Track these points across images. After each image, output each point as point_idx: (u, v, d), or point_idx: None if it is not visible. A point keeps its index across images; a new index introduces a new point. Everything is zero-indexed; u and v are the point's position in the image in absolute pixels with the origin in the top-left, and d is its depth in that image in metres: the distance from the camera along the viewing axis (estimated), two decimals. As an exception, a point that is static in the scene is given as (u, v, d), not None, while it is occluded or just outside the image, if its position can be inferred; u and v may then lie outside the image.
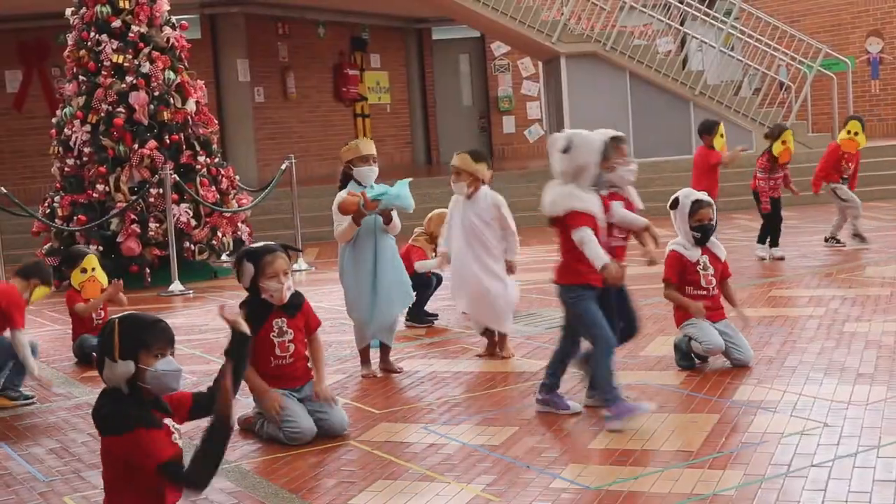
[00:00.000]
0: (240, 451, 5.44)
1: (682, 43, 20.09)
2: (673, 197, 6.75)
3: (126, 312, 4.03)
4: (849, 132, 11.46)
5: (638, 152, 18.20)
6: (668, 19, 19.24)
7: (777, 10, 22.55)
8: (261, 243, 5.72)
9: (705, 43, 18.95)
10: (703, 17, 18.96)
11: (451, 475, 4.83)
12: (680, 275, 6.61)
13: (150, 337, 3.90)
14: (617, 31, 18.29)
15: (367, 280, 6.84)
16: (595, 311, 5.49)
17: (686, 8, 18.95)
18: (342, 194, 6.79)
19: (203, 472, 3.85)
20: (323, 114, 22.99)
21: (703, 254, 6.63)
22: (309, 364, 5.77)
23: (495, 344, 7.35)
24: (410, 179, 6.88)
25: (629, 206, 6.06)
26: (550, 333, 7.91)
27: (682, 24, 19.49)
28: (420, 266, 8.60)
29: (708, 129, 11.05)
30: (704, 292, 6.59)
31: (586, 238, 5.34)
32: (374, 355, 7.09)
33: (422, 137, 25.44)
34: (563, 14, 18.25)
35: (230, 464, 5.20)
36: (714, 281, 6.63)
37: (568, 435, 5.33)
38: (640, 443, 5.11)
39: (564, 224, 5.48)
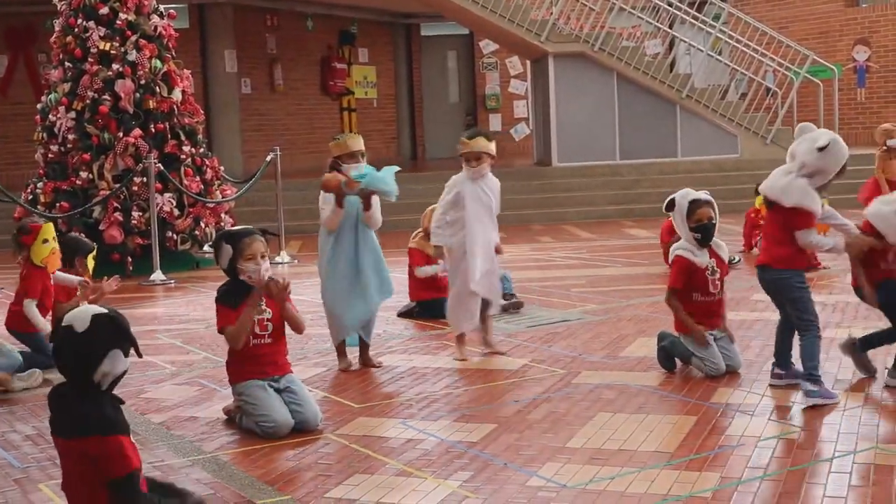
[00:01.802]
0: (217, 442, 5.43)
1: (671, 46, 20.13)
2: (669, 198, 6.64)
3: (104, 309, 3.96)
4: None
5: (623, 154, 18.28)
6: (657, 22, 19.27)
7: (765, 15, 22.62)
8: (239, 227, 5.82)
9: (693, 46, 18.99)
10: (691, 20, 19.00)
11: (428, 471, 4.82)
12: (687, 281, 6.47)
13: (132, 336, 3.92)
14: (606, 32, 18.30)
15: (348, 273, 6.84)
16: (809, 299, 5.80)
17: (675, 11, 18.99)
18: (328, 199, 6.81)
19: None
20: (309, 107, 22.95)
21: (710, 257, 6.52)
22: (288, 357, 5.79)
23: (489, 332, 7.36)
24: (398, 168, 6.88)
25: None
26: (531, 332, 7.93)
27: (670, 26, 19.53)
28: (421, 272, 8.63)
29: None
30: (710, 297, 6.50)
31: (815, 240, 5.71)
32: (352, 352, 7.07)
33: (408, 133, 25.43)
34: (552, 14, 18.27)
35: (207, 454, 5.19)
36: (720, 285, 6.52)
37: (545, 433, 5.33)
38: (618, 443, 5.12)
39: (787, 213, 5.68)
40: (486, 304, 7.26)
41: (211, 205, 12.80)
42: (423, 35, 25.53)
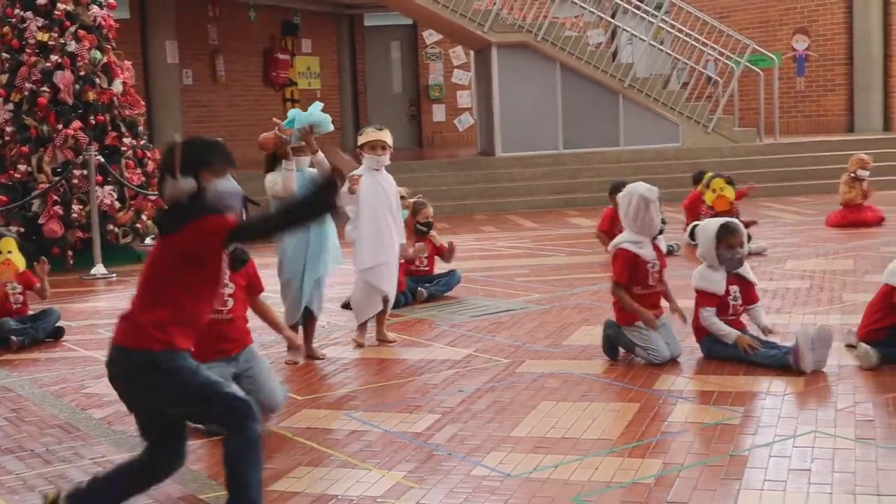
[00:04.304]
0: (159, 436, 5.37)
1: (613, 35, 20.22)
2: (635, 191, 6.57)
3: (188, 137, 4.09)
4: (714, 191, 11.42)
5: (566, 143, 18.35)
6: (600, 11, 19.34)
7: (706, 5, 22.77)
8: None
9: (635, 36, 19.09)
10: (633, 10, 19.09)
11: (372, 462, 4.82)
12: (631, 275, 6.51)
13: (211, 156, 4.00)
14: (548, 22, 18.35)
15: (303, 247, 6.82)
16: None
17: (617, 0, 19.07)
18: (271, 177, 6.76)
19: (283, 218, 4.01)
20: (252, 98, 22.79)
21: (653, 250, 6.59)
22: (248, 326, 5.72)
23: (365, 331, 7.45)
24: (322, 104, 7.02)
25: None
26: (475, 322, 7.95)
27: (613, 16, 19.61)
28: None
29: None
30: (650, 290, 6.56)
31: (710, 319, 6.39)
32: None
33: (351, 124, 25.33)
34: (495, 4, 18.27)
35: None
36: (659, 278, 6.59)
37: (489, 423, 5.34)
38: (562, 431, 5.14)
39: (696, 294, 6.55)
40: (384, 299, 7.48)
41: (153, 197, 12.67)
42: (366, 25, 25.44)
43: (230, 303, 5.52)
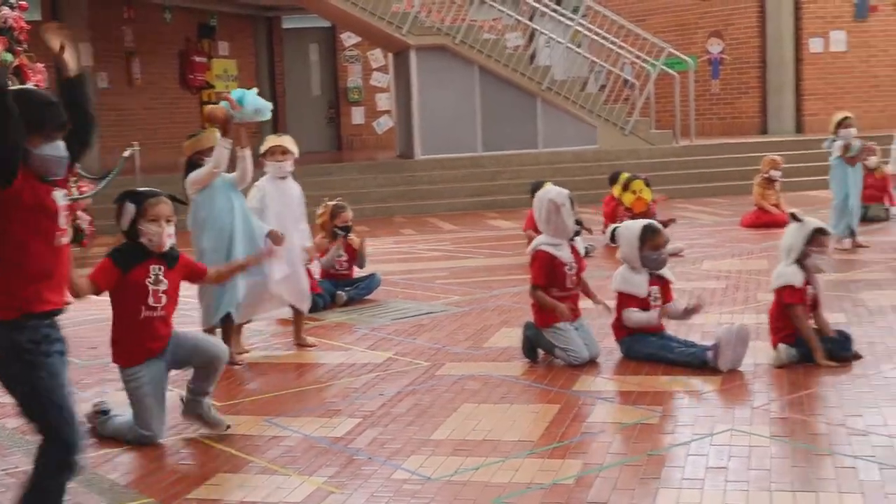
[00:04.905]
0: (74, 445, 5.28)
1: (531, 38, 20.32)
2: (545, 196, 6.63)
3: (23, 87, 3.85)
4: (633, 192, 11.60)
5: (485, 146, 18.40)
6: (517, 15, 19.44)
7: (623, 8, 23.03)
8: (146, 188, 5.46)
9: (553, 39, 19.21)
10: (551, 13, 19.21)
11: (292, 468, 4.78)
12: (549, 276, 6.55)
13: (43, 118, 3.79)
14: (467, 25, 18.40)
15: (223, 248, 6.72)
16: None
17: (535, 4, 19.18)
18: (199, 173, 6.68)
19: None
20: (169, 101, 22.54)
21: (571, 253, 6.63)
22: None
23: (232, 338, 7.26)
24: (257, 88, 6.99)
25: None
26: (395, 325, 7.93)
27: (530, 19, 19.72)
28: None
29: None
30: (567, 292, 6.58)
31: (634, 318, 6.45)
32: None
33: (270, 127, 25.13)
34: (413, 6, 18.28)
35: (64, 458, 5.05)
36: (577, 280, 6.63)
37: (410, 426, 5.33)
38: (482, 433, 5.15)
39: (617, 296, 6.57)
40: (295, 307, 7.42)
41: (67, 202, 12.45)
42: (284, 28, 25.30)
43: (164, 300, 5.36)
